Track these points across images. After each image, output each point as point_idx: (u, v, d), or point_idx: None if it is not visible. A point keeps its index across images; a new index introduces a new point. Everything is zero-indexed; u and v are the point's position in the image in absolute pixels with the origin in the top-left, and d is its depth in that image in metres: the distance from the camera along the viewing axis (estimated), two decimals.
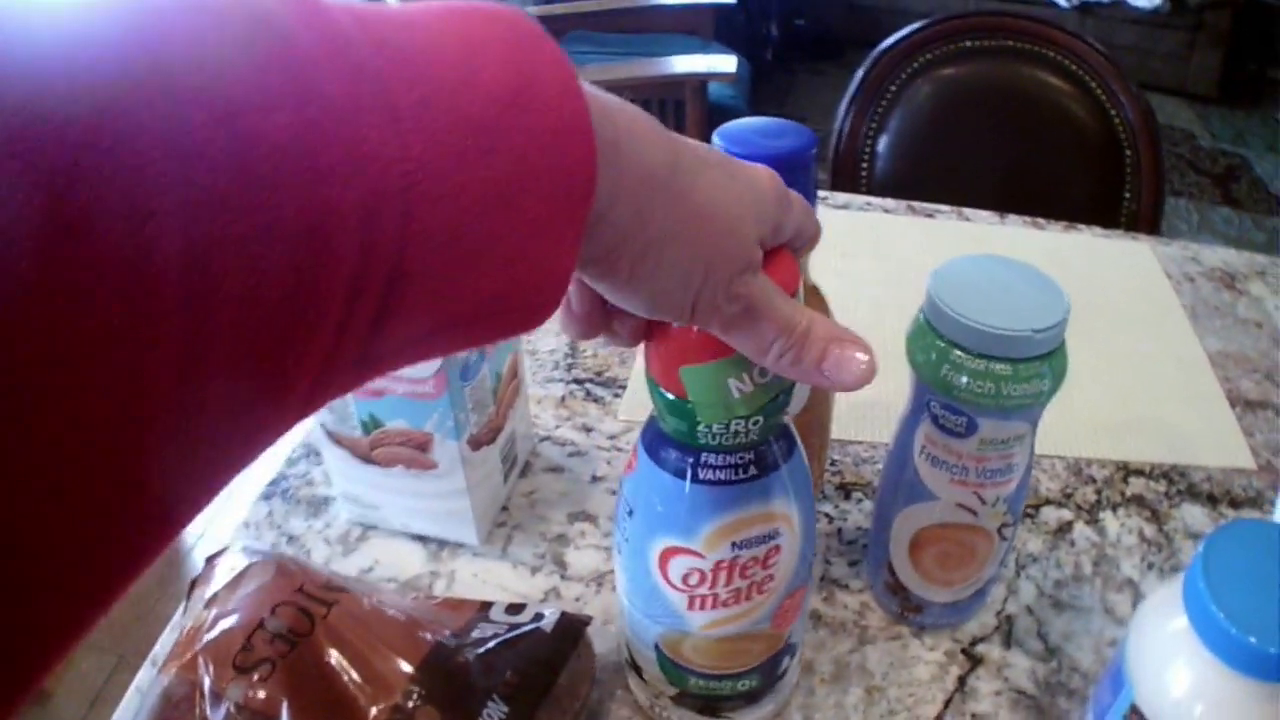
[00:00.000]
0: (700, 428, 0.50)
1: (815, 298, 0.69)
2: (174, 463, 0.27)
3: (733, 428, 0.50)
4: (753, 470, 0.53)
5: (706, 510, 0.53)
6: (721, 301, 0.43)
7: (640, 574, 0.58)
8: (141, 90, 0.24)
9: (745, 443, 0.52)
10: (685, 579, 0.56)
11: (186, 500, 0.28)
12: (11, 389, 0.22)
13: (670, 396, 0.50)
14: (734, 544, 0.54)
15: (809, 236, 0.50)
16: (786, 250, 0.48)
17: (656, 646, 0.61)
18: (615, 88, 2.21)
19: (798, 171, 0.62)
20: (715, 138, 0.62)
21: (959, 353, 0.60)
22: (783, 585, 0.58)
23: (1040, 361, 0.60)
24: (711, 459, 0.52)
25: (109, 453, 0.25)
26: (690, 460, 0.53)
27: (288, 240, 0.27)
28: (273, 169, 0.26)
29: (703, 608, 0.57)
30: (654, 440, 0.54)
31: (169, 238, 0.24)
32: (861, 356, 0.46)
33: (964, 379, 0.60)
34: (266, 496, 0.87)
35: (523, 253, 0.34)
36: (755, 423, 0.50)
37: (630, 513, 0.57)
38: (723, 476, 0.52)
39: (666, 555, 0.55)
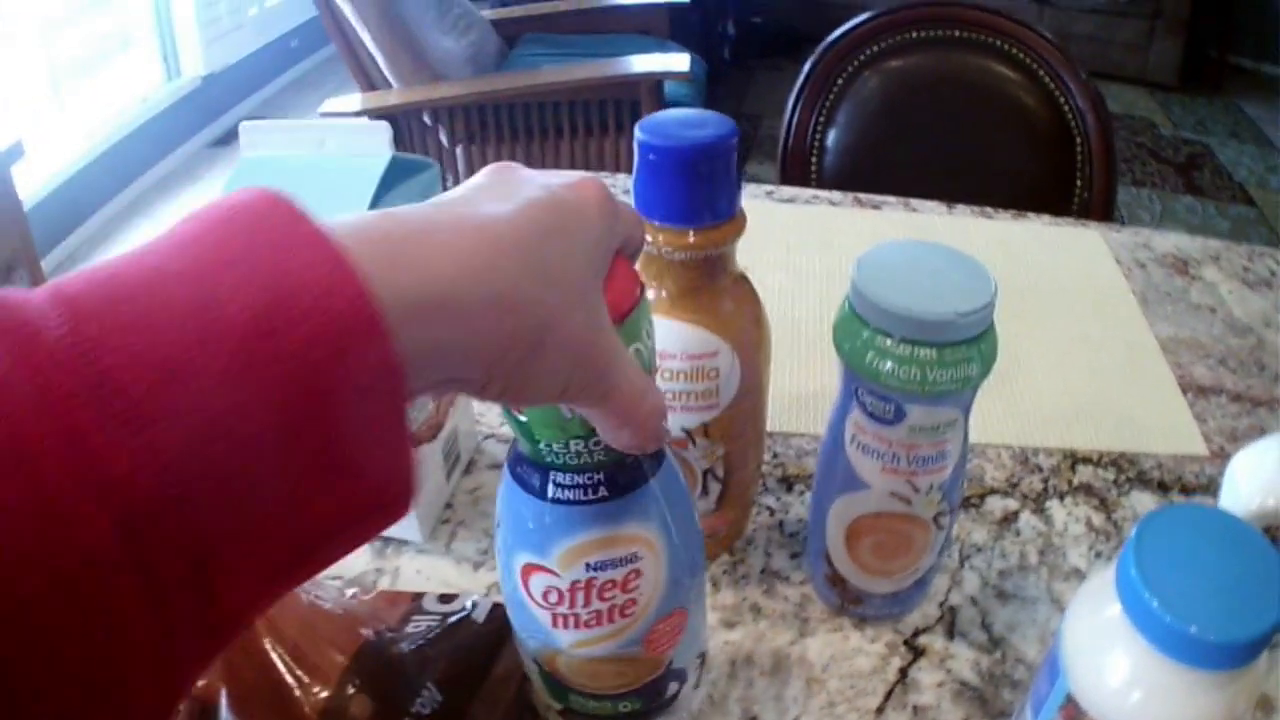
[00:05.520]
0: (542, 445, 0.49)
1: (742, 286, 0.68)
2: None
3: (573, 448, 0.49)
4: (603, 492, 0.52)
5: (558, 529, 0.52)
6: (589, 383, 0.41)
7: (510, 587, 0.57)
8: None
9: (591, 463, 0.51)
10: (545, 596, 0.55)
11: None
12: None
13: (511, 412, 0.49)
14: (589, 565, 0.53)
15: (637, 243, 0.48)
16: (622, 260, 0.46)
17: (535, 660, 0.61)
18: (571, 89, 2.22)
19: (719, 160, 0.61)
20: (637, 130, 0.61)
21: (884, 338, 0.60)
22: (649, 610, 0.56)
23: (967, 346, 0.59)
24: (560, 478, 0.51)
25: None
26: (541, 478, 0.52)
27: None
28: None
29: (566, 626, 0.56)
30: (514, 455, 0.54)
31: None
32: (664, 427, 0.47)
33: (889, 365, 0.59)
34: None
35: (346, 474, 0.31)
36: (597, 444, 0.49)
37: (499, 524, 0.56)
38: (571, 496, 0.51)
39: (527, 571, 0.55)
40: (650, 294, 0.59)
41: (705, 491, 0.73)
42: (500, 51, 3.24)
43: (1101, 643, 0.51)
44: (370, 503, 0.33)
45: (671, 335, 0.65)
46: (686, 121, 0.62)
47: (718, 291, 0.66)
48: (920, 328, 0.58)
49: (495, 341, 0.36)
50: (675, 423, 0.68)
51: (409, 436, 0.33)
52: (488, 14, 3.33)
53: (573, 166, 2.62)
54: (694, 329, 0.65)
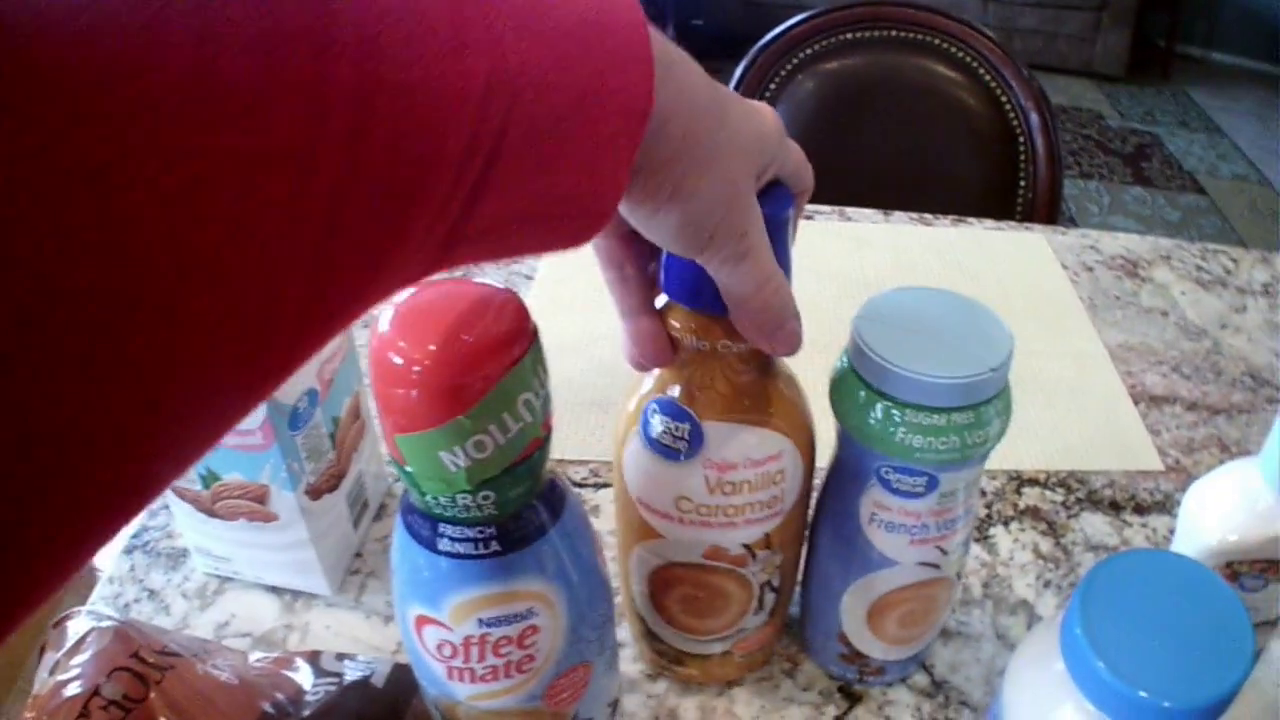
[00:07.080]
0: (429, 498, 0.47)
1: (788, 369, 0.61)
2: (307, 299, 0.29)
3: (460, 501, 0.47)
4: (495, 546, 0.49)
5: (448, 583, 0.50)
6: (733, 236, 0.45)
7: (406, 636, 0.54)
8: None
9: (481, 517, 0.48)
10: (439, 649, 0.52)
11: (307, 342, 0.31)
12: (194, 180, 0.25)
13: (398, 463, 0.46)
14: (481, 620, 0.50)
15: (806, 183, 0.53)
16: (511, 299, 0.48)
17: (436, 707, 0.58)
18: None
19: (775, 235, 0.50)
20: None
21: (914, 411, 0.54)
22: (547, 666, 0.53)
23: (997, 400, 0.55)
24: (449, 530, 0.49)
25: (266, 260, 0.27)
26: (429, 530, 0.49)
27: (433, 97, 0.30)
28: (427, 31, 0.30)
29: (462, 679, 0.53)
30: (405, 503, 0.51)
31: (343, 70, 0.27)
32: (800, 333, 0.51)
33: (925, 438, 0.55)
34: (129, 550, 0.82)
35: (591, 159, 0.37)
36: (485, 498, 0.47)
37: (393, 571, 0.54)
38: (461, 550, 0.49)
39: (420, 623, 0.52)
40: (697, 396, 0.56)
41: (760, 606, 0.65)
42: None
43: (1045, 703, 0.47)
44: (584, 199, 0.39)
45: (731, 442, 0.57)
46: None
47: (773, 384, 0.58)
48: (955, 392, 0.53)
49: (684, 131, 0.41)
50: (735, 539, 0.61)
51: (628, 171, 0.39)
52: None
53: None
54: (756, 431, 0.57)
